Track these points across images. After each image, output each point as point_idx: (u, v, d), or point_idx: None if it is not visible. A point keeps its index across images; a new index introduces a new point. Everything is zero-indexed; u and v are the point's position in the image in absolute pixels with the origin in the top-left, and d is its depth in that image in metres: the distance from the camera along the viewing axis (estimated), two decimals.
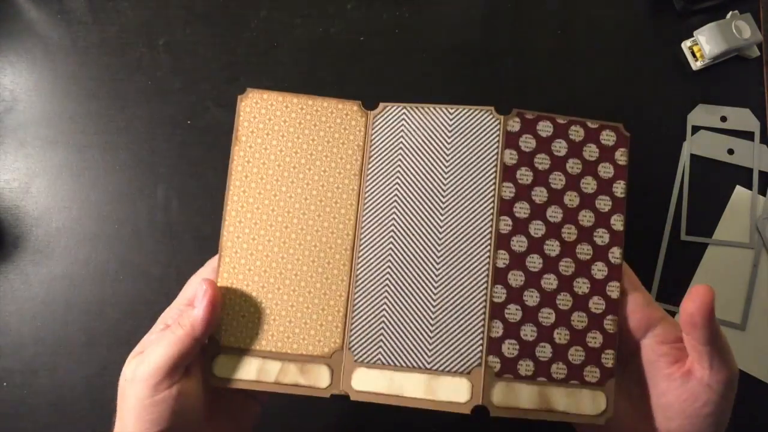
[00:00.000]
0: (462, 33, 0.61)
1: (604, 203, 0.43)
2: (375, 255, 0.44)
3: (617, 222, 0.43)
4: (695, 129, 0.59)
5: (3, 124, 0.59)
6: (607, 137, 0.44)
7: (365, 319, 0.43)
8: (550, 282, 0.43)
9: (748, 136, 0.59)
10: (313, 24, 0.61)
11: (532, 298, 0.42)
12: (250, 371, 0.43)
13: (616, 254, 0.43)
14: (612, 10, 0.62)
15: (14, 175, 0.58)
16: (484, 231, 0.43)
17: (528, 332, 0.42)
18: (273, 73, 0.60)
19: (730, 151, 0.59)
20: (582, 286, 0.43)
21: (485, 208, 0.43)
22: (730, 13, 0.59)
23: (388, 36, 0.61)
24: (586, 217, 0.43)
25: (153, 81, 0.59)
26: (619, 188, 0.44)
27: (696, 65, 0.60)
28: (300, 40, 0.60)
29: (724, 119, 0.59)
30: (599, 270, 0.43)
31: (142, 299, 0.57)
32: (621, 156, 0.44)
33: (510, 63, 0.60)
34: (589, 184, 0.43)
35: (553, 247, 0.43)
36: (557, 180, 0.43)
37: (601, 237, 0.43)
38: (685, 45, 0.60)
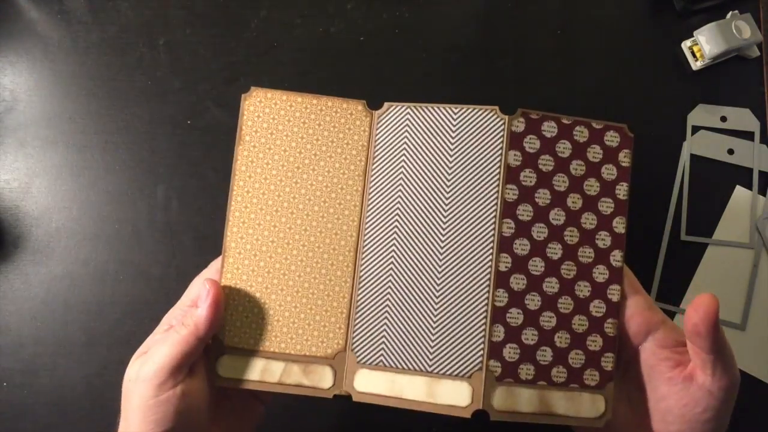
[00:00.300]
0: (462, 33, 0.61)
1: (606, 206, 0.43)
2: (378, 257, 0.44)
3: (619, 225, 0.43)
4: (695, 129, 0.59)
5: (3, 124, 0.58)
6: (611, 138, 0.44)
7: (368, 320, 0.43)
8: (551, 285, 0.43)
9: (748, 136, 0.59)
10: (313, 24, 0.60)
11: (533, 301, 0.42)
12: (254, 371, 0.43)
13: (617, 257, 0.43)
14: (612, 10, 0.61)
15: (14, 175, 0.58)
16: (487, 234, 0.42)
17: (529, 336, 0.42)
18: (273, 73, 0.60)
19: (730, 151, 0.59)
20: (583, 289, 0.43)
21: (488, 210, 0.43)
22: (730, 13, 0.59)
23: (388, 36, 0.61)
24: (589, 220, 0.43)
25: (153, 81, 0.59)
26: (622, 190, 0.44)
27: (696, 65, 0.60)
28: (300, 40, 0.60)
29: (724, 119, 0.59)
30: (600, 273, 0.43)
31: (142, 299, 0.57)
32: (624, 157, 0.44)
33: (510, 63, 0.60)
34: (592, 186, 0.43)
35: (555, 251, 0.43)
36: (561, 182, 0.43)
37: (603, 240, 0.43)
38: (685, 45, 0.60)
